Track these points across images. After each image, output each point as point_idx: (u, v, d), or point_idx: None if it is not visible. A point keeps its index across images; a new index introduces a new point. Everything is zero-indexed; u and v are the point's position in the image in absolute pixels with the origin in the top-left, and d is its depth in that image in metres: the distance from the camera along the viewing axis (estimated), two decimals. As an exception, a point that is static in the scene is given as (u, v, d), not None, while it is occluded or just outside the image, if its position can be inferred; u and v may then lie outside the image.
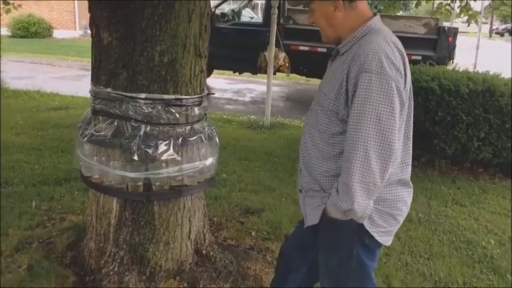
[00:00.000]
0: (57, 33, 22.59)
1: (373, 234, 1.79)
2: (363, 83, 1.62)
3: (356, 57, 1.67)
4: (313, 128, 1.87)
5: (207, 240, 3.00)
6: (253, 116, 8.01)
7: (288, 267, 2.20)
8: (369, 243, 1.83)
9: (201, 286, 2.71)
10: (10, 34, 21.19)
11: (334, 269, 1.91)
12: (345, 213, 1.73)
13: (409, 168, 1.86)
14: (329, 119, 1.79)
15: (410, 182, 1.89)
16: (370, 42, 1.69)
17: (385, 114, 1.61)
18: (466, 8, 5.31)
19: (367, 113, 1.61)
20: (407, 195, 1.88)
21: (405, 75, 1.70)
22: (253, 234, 3.51)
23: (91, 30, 2.60)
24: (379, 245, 1.85)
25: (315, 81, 11.73)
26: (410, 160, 1.86)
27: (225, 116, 7.91)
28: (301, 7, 11.24)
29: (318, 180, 1.87)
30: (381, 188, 1.70)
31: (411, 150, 1.87)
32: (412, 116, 1.83)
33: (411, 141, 1.86)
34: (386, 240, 1.85)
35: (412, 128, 1.84)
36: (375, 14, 1.82)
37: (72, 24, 23.54)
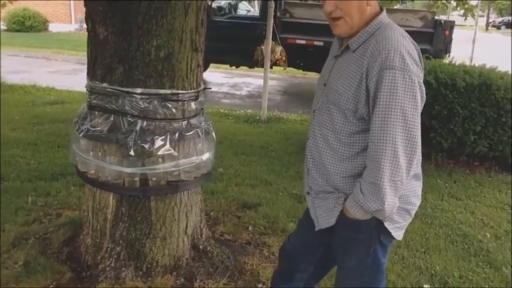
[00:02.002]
0: (53, 27, 22.48)
1: (391, 231, 1.79)
2: (387, 79, 1.59)
3: (376, 54, 1.63)
4: (326, 128, 1.82)
5: (203, 235, 3.01)
6: (249, 110, 8.00)
7: (295, 267, 2.17)
8: (384, 240, 1.83)
9: (198, 281, 2.72)
10: (5, 28, 21.06)
11: (350, 268, 1.91)
12: (370, 213, 1.72)
13: (420, 161, 1.84)
14: (345, 118, 1.74)
15: (421, 174, 1.89)
16: (388, 38, 1.65)
17: (410, 111, 1.60)
18: (462, 2, 5.30)
19: (393, 110, 1.59)
20: (418, 188, 1.88)
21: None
22: (250, 228, 3.51)
23: (87, 25, 2.58)
24: (392, 240, 1.86)
25: (312, 75, 11.73)
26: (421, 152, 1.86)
27: (222, 110, 7.90)
28: (297, 0, 11.24)
29: (332, 182, 1.83)
30: (405, 184, 1.69)
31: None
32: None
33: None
34: (400, 235, 1.86)
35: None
36: (381, 8, 1.78)
37: (67, 18, 23.45)
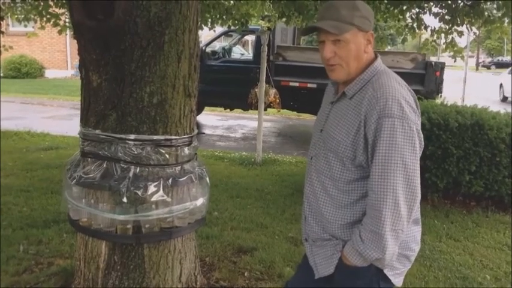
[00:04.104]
0: (49, 73, 22.69)
1: (390, 278, 1.77)
2: (386, 128, 1.60)
3: (374, 102, 1.64)
4: (324, 176, 1.81)
5: (198, 283, 2.94)
6: (244, 153, 7.99)
7: None
8: (384, 287, 1.80)
9: (193, 331, 2.64)
10: (1, 75, 21.22)
11: None
12: (370, 261, 1.69)
13: (419, 206, 1.82)
14: (344, 165, 1.74)
15: (420, 219, 1.87)
16: (385, 85, 1.67)
17: (409, 158, 1.60)
18: (451, 44, 5.41)
19: (393, 158, 1.59)
20: (417, 233, 1.86)
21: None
22: (246, 274, 3.44)
23: (80, 72, 2.60)
24: (392, 287, 1.82)
25: (306, 116, 11.82)
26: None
27: (217, 153, 7.89)
28: (290, 44, 11.46)
29: (329, 229, 1.81)
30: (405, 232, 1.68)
31: None
32: None
33: None
34: (399, 281, 1.83)
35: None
36: (375, 55, 1.81)
37: (64, 64, 23.69)
